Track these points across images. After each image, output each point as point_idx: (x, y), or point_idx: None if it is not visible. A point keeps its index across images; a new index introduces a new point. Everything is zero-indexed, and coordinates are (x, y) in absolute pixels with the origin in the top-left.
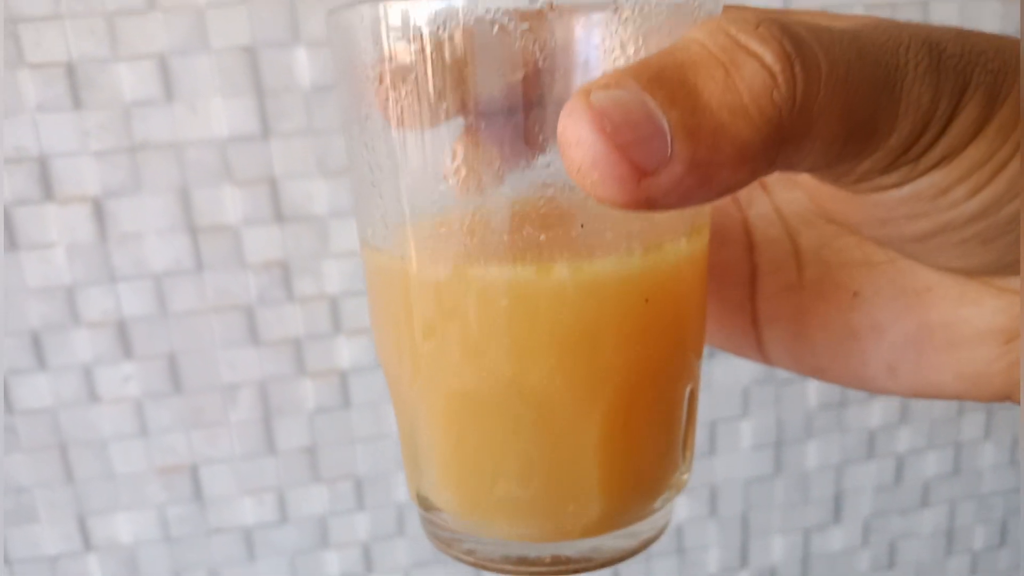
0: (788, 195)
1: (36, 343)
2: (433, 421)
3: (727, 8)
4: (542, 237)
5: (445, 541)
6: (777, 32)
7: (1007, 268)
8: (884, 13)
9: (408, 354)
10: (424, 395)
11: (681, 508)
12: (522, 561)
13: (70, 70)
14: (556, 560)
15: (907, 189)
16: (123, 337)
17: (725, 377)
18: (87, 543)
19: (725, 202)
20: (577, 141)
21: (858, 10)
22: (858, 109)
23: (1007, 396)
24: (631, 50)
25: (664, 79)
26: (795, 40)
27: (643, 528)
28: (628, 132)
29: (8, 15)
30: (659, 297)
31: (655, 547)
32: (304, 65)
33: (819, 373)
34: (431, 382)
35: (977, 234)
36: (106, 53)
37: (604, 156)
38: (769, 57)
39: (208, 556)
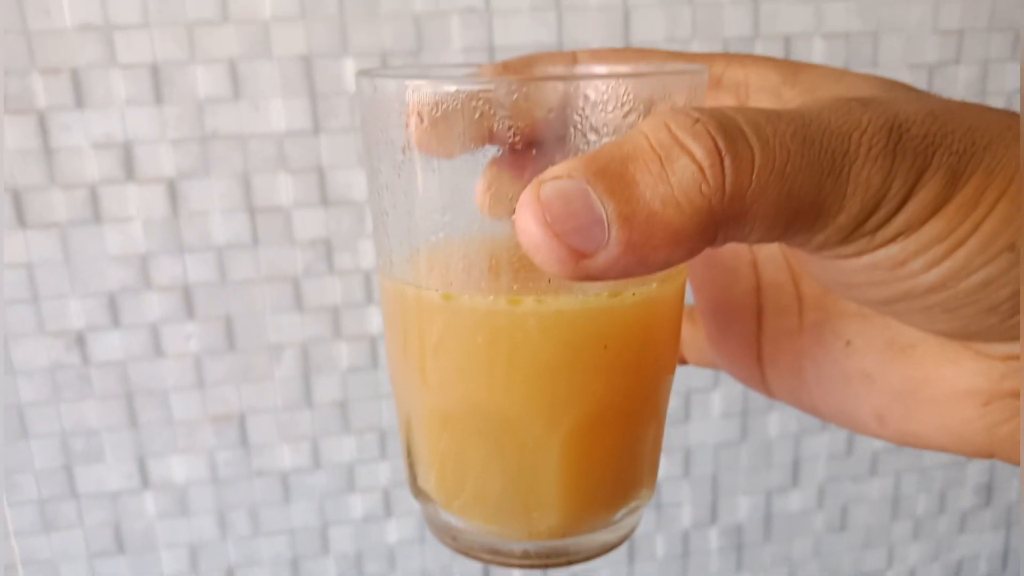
0: (807, 268)
1: (112, 304)
2: (423, 429)
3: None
4: (514, 280)
5: (435, 526)
6: (712, 128)
7: (977, 335)
8: (839, 44)
9: (403, 370)
10: (417, 407)
11: (660, 469)
12: (495, 552)
13: (154, 70)
14: (525, 554)
15: (865, 259)
16: (187, 301)
17: None
18: (145, 482)
19: (737, 243)
20: (524, 229)
21: (816, 41)
22: (800, 193)
23: (991, 454)
24: (620, 114)
25: (607, 171)
26: (728, 135)
27: (606, 535)
28: (568, 222)
29: (105, 23)
30: (618, 341)
31: None
32: (351, 73)
33: (815, 412)
34: (421, 397)
35: (939, 304)
36: (185, 57)
37: (545, 243)
38: (700, 152)
39: (250, 496)
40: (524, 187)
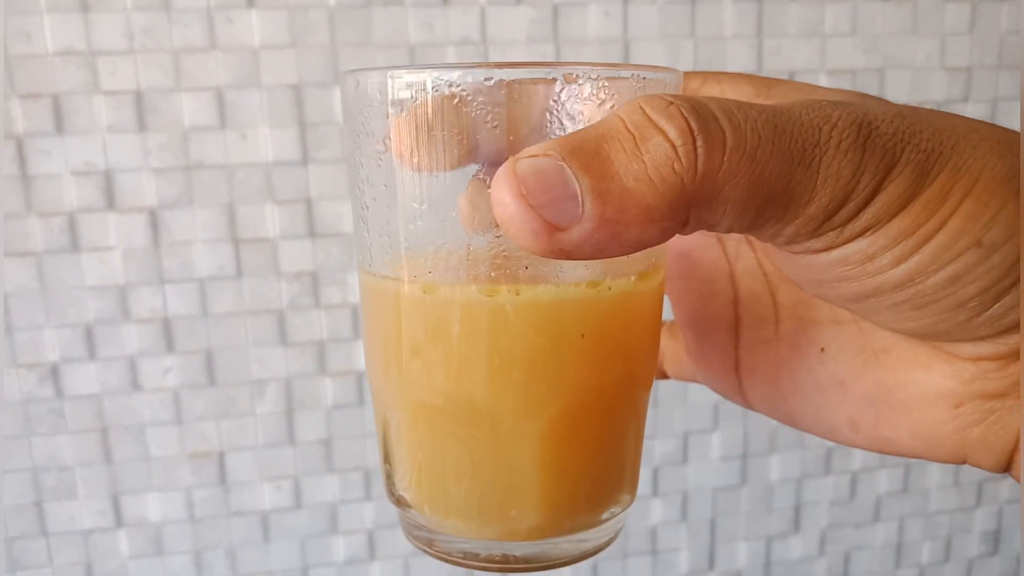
0: (779, 265)
1: (89, 335)
2: (402, 427)
3: (688, 75)
4: (492, 270)
5: (412, 532)
6: (685, 110)
7: (946, 334)
8: (844, 81)
9: (382, 365)
10: (395, 402)
11: (655, 512)
12: (473, 556)
13: (138, 97)
14: (506, 559)
15: (835, 253)
16: (167, 333)
17: (697, 392)
18: (119, 520)
19: (715, 254)
20: (499, 201)
21: (821, 77)
22: (771, 179)
23: (963, 459)
24: (596, 107)
25: (582, 150)
26: (701, 117)
27: (590, 536)
28: (542, 195)
29: (89, 48)
30: (596, 331)
31: (631, 547)
32: (341, 102)
33: (792, 422)
34: (400, 391)
35: (907, 300)
36: (170, 84)
37: (520, 214)
38: (673, 132)
39: (227, 537)
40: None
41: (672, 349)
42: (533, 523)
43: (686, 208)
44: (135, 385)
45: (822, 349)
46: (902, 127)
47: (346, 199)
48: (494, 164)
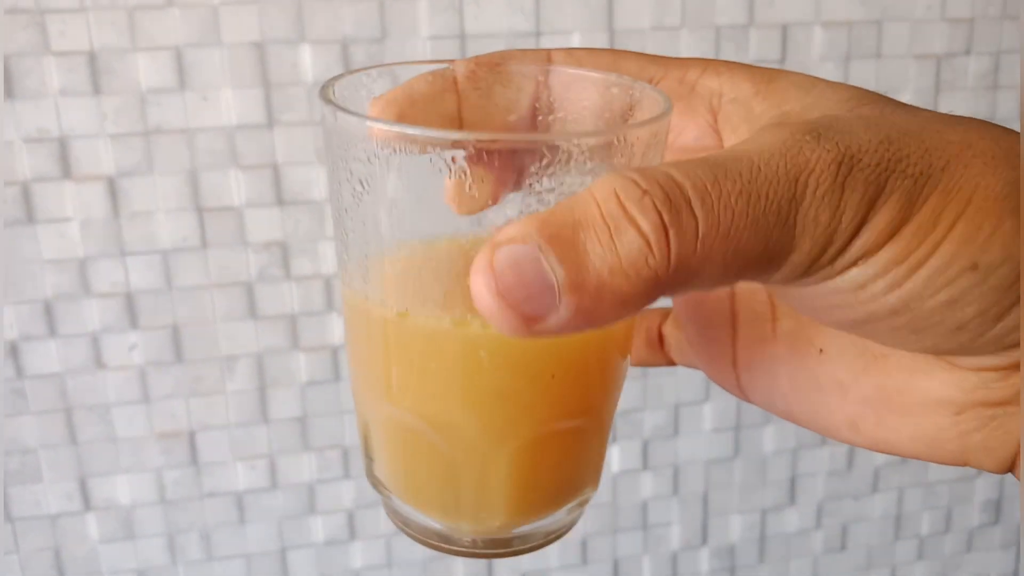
0: (771, 291)
1: (48, 312)
2: (380, 435)
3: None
4: (467, 302)
5: (390, 512)
6: (659, 200)
7: (949, 352)
8: (840, 34)
9: (362, 377)
10: (374, 413)
11: (646, 486)
12: (446, 540)
13: (92, 58)
14: (474, 544)
15: (828, 285)
16: (130, 308)
17: None
18: (87, 503)
19: None
20: (478, 296)
21: (816, 30)
22: (747, 249)
23: (964, 461)
24: (580, 165)
25: (559, 238)
26: (674, 207)
27: (550, 526)
28: (520, 291)
29: (37, 7)
30: (566, 372)
31: (621, 523)
32: (308, 61)
33: (790, 418)
34: (378, 405)
35: (905, 325)
36: (126, 44)
37: (498, 312)
38: (646, 226)
39: (201, 518)
40: (493, 185)
41: (676, 337)
42: (499, 523)
43: (660, 292)
44: (99, 363)
45: (821, 350)
46: (887, 155)
47: (314, 164)
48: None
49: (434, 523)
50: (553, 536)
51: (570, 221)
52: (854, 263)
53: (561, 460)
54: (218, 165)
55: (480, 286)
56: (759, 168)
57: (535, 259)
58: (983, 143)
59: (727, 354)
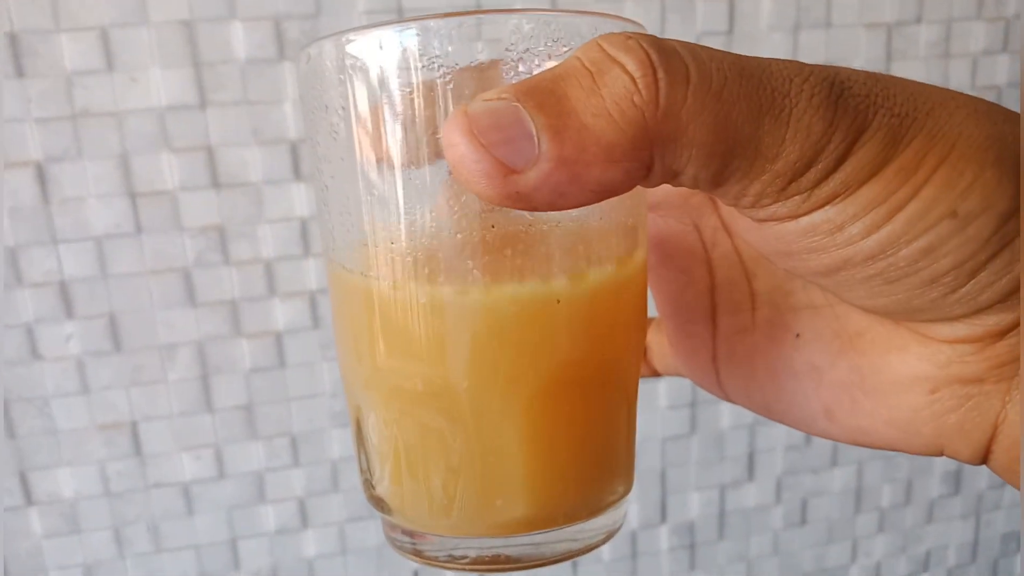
0: (748, 237)
1: None
2: (378, 419)
3: None
4: (471, 262)
5: (397, 544)
6: (645, 44)
7: (920, 312)
8: (788, 3)
9: (355, 355)
10: (369, 394)
11: None
12: (463, 559)
13: (13, 40)
14: (495, 559)
15: (803, 222)
16: (65, 297)
17: None
18: (28, 498)
19: (692, 242)
20: (450, 143)
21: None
22: (738, 124)
23: (940, 449)
24: (555, 53)
25: (537, 89)
26: (663, 51)
27: (584, 530)
28: (495, 134)
29: None
30: (572, 303)
31: None
32: (240, 39)
33: (767, 412)
34: (374, 382)
35: (878, 273)
36: (49, 24)
37: (471, 154)
38: (631, 64)
39: (147, 510)
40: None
41: (659, 344)
42: (520, 514)
43: (649, 146)
44: (35, 354)
45: (797, 335)
46: (875, 89)
47: (250, 145)
48: None
49: (443, 536)
50: (581, 548)
51: (549, 76)
52: (831, 199)
53: (580, 427)
54: (150, 148)
55: (452, 133)
56: (751, 58)
57: (513, 108)
58: (964, 98)
59: (707, 350)
